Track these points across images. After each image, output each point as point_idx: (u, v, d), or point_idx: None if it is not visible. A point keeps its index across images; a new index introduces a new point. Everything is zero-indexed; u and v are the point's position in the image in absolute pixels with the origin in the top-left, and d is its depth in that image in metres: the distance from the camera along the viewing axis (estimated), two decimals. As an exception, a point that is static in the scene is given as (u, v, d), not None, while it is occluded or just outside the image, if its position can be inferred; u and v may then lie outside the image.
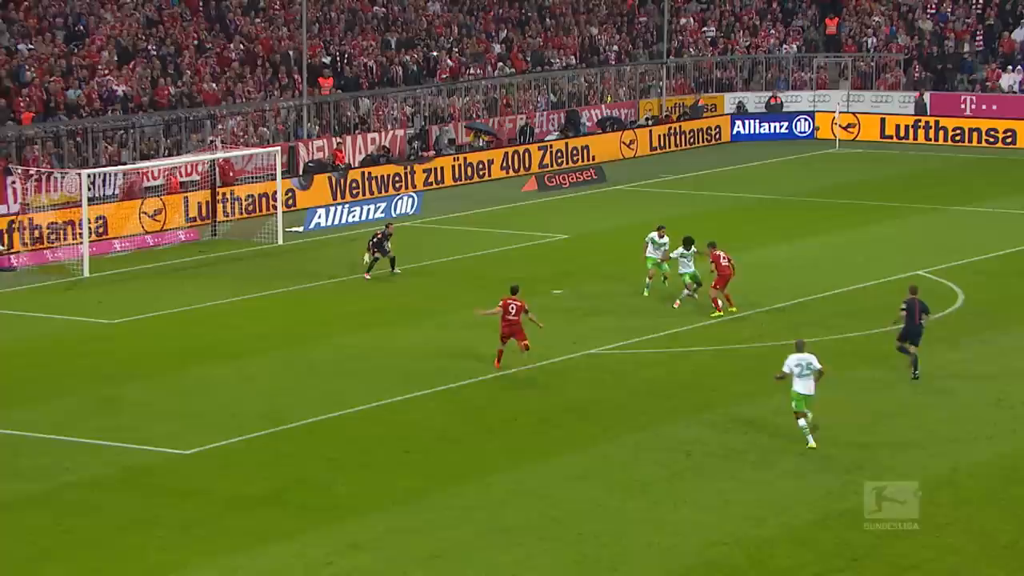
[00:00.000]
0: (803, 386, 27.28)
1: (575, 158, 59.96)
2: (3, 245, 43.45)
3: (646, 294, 38.56)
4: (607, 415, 29.93)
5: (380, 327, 36.41)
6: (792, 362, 27.33)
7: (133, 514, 24.81)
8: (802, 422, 27.40)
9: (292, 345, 34.96)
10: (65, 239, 44.27)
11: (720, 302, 36.70)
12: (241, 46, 57.74)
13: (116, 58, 53.80)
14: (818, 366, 27.34)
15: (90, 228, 43.69)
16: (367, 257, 41.03)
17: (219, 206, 48.37)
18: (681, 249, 37.58)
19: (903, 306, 31.36)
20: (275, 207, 47.80)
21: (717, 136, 66.25)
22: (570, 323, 36.57)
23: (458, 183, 56.31)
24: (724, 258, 36.51)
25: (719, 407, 29.98)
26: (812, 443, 27.28)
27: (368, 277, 40.71)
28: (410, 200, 51.53)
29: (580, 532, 24.03)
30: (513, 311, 32.29)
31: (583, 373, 32.87)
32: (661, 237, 38.74)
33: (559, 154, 59.81)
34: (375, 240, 41.17)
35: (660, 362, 33.69)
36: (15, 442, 28.10)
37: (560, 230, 47.94)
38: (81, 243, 42.67)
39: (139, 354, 34.44)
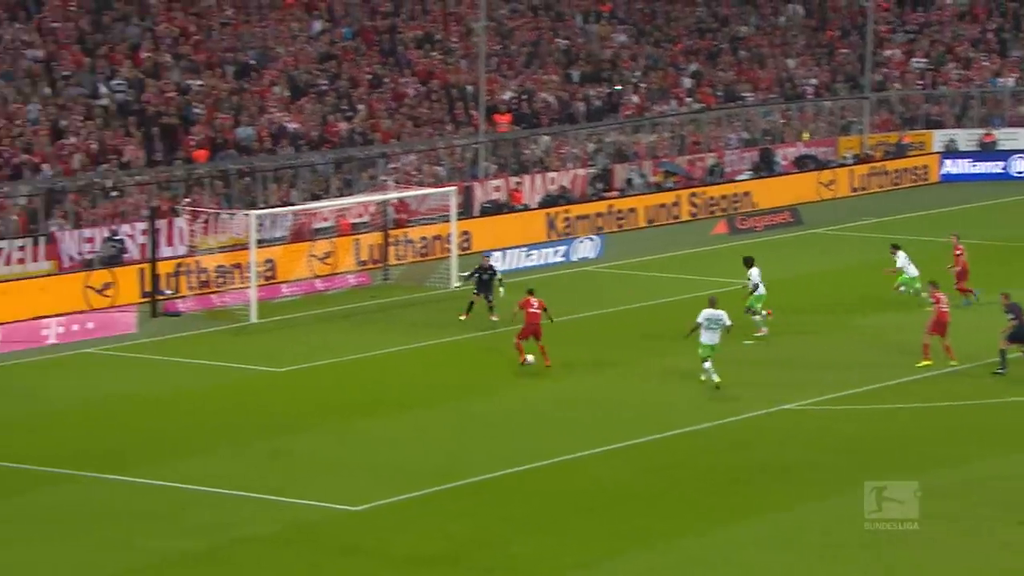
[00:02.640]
0: (709, 338, 34.46)
1: (769, 199, 59.63)
2: (170, 290, 44.55)
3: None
4: (802, 475, 29.66)
5: (557, 378, 36.54)
6: (703, 316, 34.44)
7: (302, 573, 25.18)
8: (707, 364, 34.41)
9: (466, 396, 35.26)
10: (232, 283, 45.25)
11: (929, 351, 36.20)
12: (416, 81, 58.62)
13: (287, 94, 55.01)
14: (728, 322, 34.62)
15: (258, 272, 44.59)
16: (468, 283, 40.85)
17: (391, 249, 49.05)
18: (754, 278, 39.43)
19: (1011, 315, 34.80)
20: (449, 250, 48.32)
21: (924, 176, 65.38)
22: (762, 376, 36.35)
23: (643, 226, 56.35)
24: (944, 302, 36.15)
25: (925, 470, 29.51)
26: (716, 379, 34.26)
27: (463, 319, 40.79)
28: (592, 243, 51.72)
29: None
30: (535, 305, 36.24)
31: (777, 430, 32.63)
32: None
33: (751, 195, 59.55)
34: (478, 276, 40.91)
35: (861, 419, 33.31)
36: (180, 495, 28.74)
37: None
38: (249, 287, 43.58)
39: (307, 404, 35.02)
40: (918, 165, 65.58)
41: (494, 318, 40.81)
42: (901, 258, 42.78)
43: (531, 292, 37.53)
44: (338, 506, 28.03)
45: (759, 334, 39.45)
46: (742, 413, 33.40)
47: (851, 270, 43.03)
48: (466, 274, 42.05)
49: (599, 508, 28.06)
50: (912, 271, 42.63)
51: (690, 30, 69.46)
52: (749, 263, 40.27)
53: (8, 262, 44.74)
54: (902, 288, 42.64)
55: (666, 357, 37.89)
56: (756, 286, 39.74)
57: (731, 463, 30.42)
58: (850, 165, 64.09)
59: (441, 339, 40.36)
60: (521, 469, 30.10)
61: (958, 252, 43.10)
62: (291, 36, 58.05)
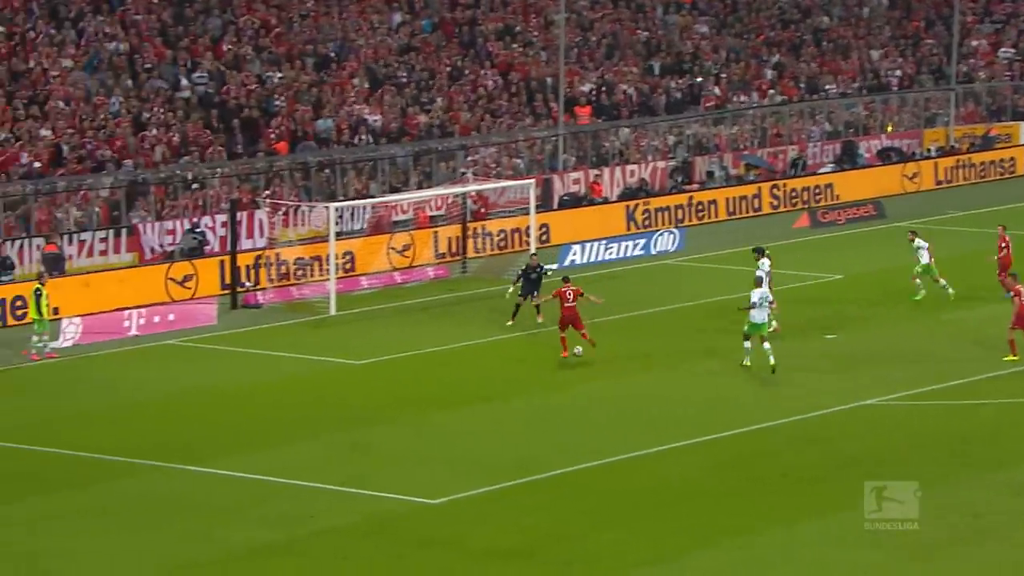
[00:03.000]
0: (760, 316, 35.60)
1: (852, 192, 59.43)
2: (249, 282, 45.07)
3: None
4: (885, 472, 29.56)
5: (636, 372, 36.69)
6: (756, 296, 35.70)
7: (382, 565, 25.51)
8: (748, 344, 35.56)
9: (544, 390, 35.48)
10: (312, 275, 45.72)
11: (1016, 346, 36.09)
12: (496, 73, 58.90)
13: (367, 86, 55.44)
14: (774, 302, 36.15)
15: (337, 264, 45.02)
16: (512, 290, 40.08)
17: (470, 242, 49.35)
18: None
19: None
20: (528, 243, 48.54)
21: (1011, 169, 64.92)
22: (844, 370, 36.34)
23: (723, 218, 56.33)
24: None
25: (1012, 467, 29.45)
26: (747, 363, 35.66)
27: (511, 323, 40.19)
28: (672, 236, 51.79)
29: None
30: (571, 297, 36.28)
31: (858, 426, 32.63)
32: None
33: (834, 187, 59.38)
34: (524, 276, 40.07)
35: (945, 415, 33.24)
36: (261, 487, 29.16)
37: (834, 270, 47.61)
38: (328, 279, 44.02)
39: (386, 397, 35.38)
40: (1005, 157, 65.10)
41: (540, 319, 40.30)
42: (920, 245, 42.79)
43: (566, 280, 37.68)
44: (416, 499, 28.35)
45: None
46: (820, 409, 33.42)
47: (935, 264, 42.88)
48: (514, 277, 41.11)
49: (673, 503, 28.19)
50: (924, 258, 42.62)
51: (772, 21, 69.30)
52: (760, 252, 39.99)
53: (91, 254, 45.46)
54: (917, 280, 42.66)
55: (738, 354, 37.94)
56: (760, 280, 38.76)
57: (808, 460, 30.45)
58: (935, 158, 63.75)
59: (518, 333, 40.59)
60: (597, 464, 30.29)
61: (1003, 244, 43.00)
62: (371, 28, 58.49)
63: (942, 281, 42.49)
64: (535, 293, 40.29)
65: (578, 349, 37.04)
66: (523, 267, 41.11)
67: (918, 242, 42.90)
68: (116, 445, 31.59)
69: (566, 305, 36.82)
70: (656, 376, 36.47)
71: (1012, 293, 36.60)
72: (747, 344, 35.98)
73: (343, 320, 42.86)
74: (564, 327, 36.84)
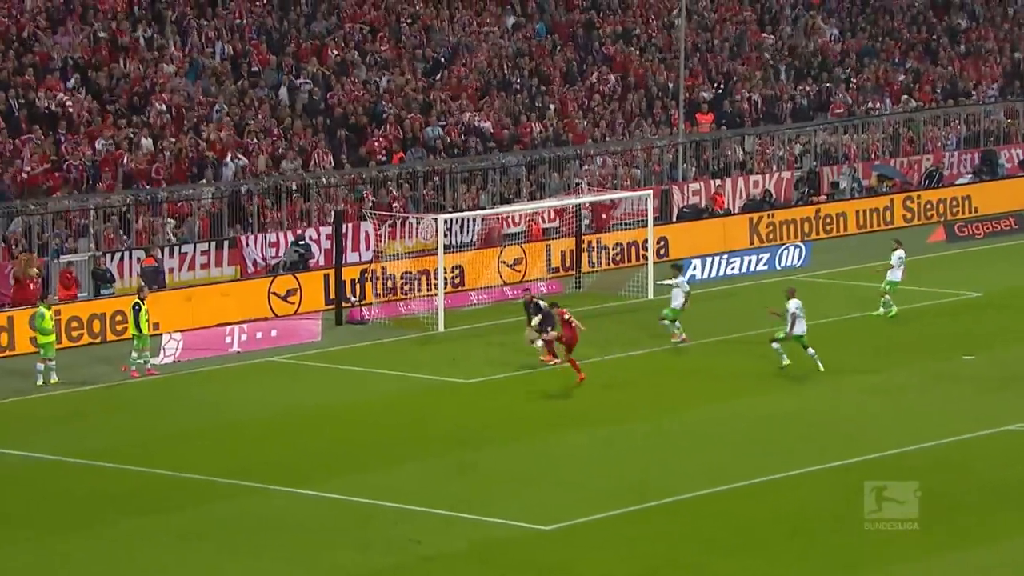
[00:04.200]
0: (801, 328, 37.32)
1: (991, 205, 58.70)
2: (355, 296, 45.36)
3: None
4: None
5: (757, 393, 36.51)
6: (794, 306, 37.22)
7: (489, 593, 25.63)
8: (776, 345, 37.61)
9: (660, 411, 35.39)
10: (419, 290, 45.93)
11: None
12: (613, 78, 58.89)
13: (478, 92, 55.65)
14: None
15: (446, 278, 45.19)
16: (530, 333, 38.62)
17: (584, 255, 49.35)
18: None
19: None
20: (646, 257, 48.45)
21: None
22: (984, 394, 35.96)
23: (853, 232, 55.89)
24: None
25: None
26: (820, 367, 37.26)
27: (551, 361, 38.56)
28: (798, 251, 51.48)
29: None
30: (568, 317, 37.06)
31: (1000, 452, 32.26)
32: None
33: (971, 199, 58.69)
34: (531, 312, 38.55)
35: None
36: (366, 510, 29.32)
37: (973, 287, 47.12)
38: (436, 295, 44.19)
39: (495, 417, 35.46)
40: None
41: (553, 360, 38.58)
42: (895, 258, 43.00)
43: (555, 306, 38.23)
44: (528, 524, 28.37)
45: (676, 340, 40.56)
46: (958, 434, 33.05)
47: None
48: (533, 322, 38.73)
49: (806, 533, 27.99)
50: (897, 275, 42.85)
51: (907, 22, 68.72)
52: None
53: (192, 267, 45.97)
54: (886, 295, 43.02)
55: (868, 374, 37.65)
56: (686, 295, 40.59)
57: (949, 488, 30.06)
58: (1082, 168, 62.86)
59: (633, 351, 40.53)
60: (716, 490, 30.15)
61: None
62: (482, 32, 58.71)
63: (886, 298, 42.95)
64: (548, 328, 38.40)
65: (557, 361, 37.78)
66: (526, 304, 39.25)
67: (900, 253, 43.03)
68: (216, 466, 31.91)
69: (571, 323, 37.36)
70: (779, 397, 36.25)
71: None
72: (776, 345, 37.59)
73: (451, 337, 43.00)
74: (571, 349, 37.22)
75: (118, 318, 41.82)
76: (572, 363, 37.31)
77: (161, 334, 40.93)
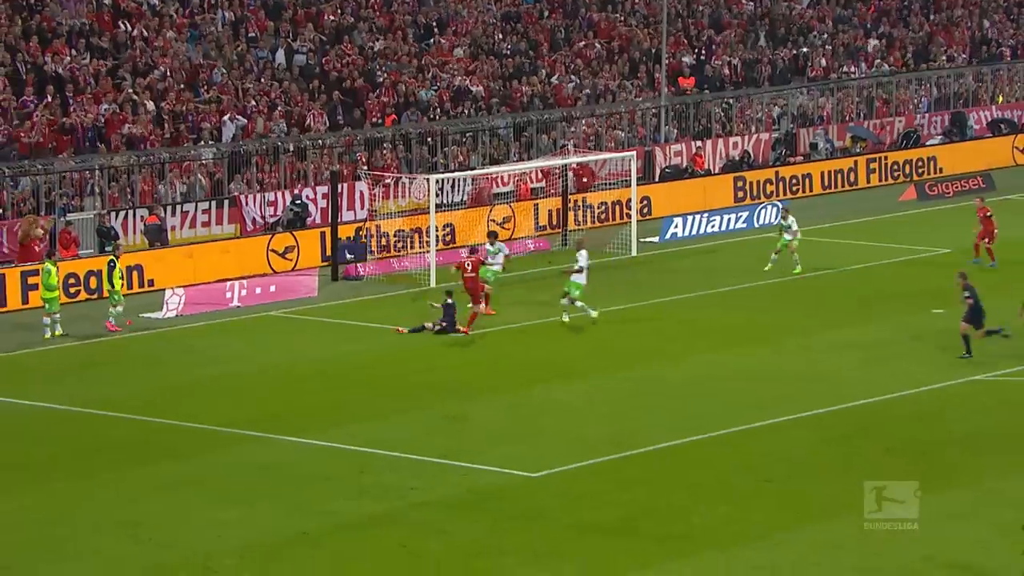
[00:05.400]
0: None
1: (960, 165, 58.68)
2: (350, 254, 45.29)
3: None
4: (995, 448, 29.38)
5: (736, 346, 36.55)
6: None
7: (481, 538, 25.63)
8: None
9: (642, 364, 35.41)
10: (412, 247, 45.88)
11: None
12: (598, 43, 58.72)
13: (469, 56, 55.47)
14: None
15: (437, 236, 45.14)
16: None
17: (571, 214, 49.29)
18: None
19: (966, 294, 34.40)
20: (629, 216, 48.43)
21: None
22: (952, 346, 35.98)
23: (828, 191, 55.89)
24: None
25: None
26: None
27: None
28: (775, 209, 51.42)
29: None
30: (470, 267, 37.17)
31: (967, 401, 32.34)
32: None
33: (937, 159, 58.64)
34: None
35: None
36: (361, 458, 29.37)
37: (942, 243, 47.15)
38: (428, 251, 44.16)
39: (484, 370, 35.47)
40: (1118, 129, 64.04)
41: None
42: (792, 223, 43.54)
43: (473, 251, 38.86)
44: (515, 472, 28.42)
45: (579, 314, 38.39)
46: (929, 384, 33.13)
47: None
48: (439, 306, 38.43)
49: (778, 479, 28.08)
50: (789, 235, 43.32)
51: (880, -10, 68.53)
52: (579, 245, 39.56)
53: (193, 225, 45.91)
54: (774, 256, 43.37)
55: (842, 328, 37.69)
56: (581, 269, 38.42)
57: (917, 436, 30.20)
58: (1046, 129, 62.85)
59: (619, 306, 40.55)
60: (697, 438, 30.23)
61: (985, 215, 43.32)
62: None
63: (794, 257, 43.22)
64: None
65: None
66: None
67: (790, 220, 43.55)
68: (218, 416, 31.94)
69: (466, 276, 37.52)
70: (758, 351, 36.28)
71: None
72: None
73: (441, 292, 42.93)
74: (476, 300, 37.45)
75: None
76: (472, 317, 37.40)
77: (164, 289, 40.87)
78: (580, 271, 38.36)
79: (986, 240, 43.61)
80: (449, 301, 38.10)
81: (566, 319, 38.44)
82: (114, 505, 27.25)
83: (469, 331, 37.43)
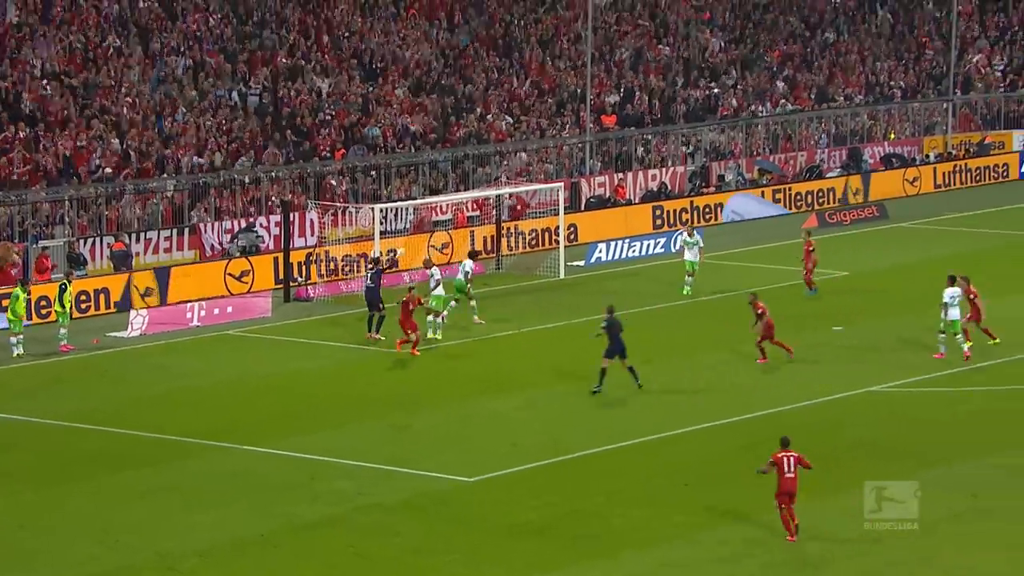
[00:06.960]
0: (955, 314, 35.49)
1: (857, 195, 59.37)
2: (301, 277, 45.38)
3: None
4: (887, 454, 29.81)
5: (660, 360, 36.86)
6: (948, 295, 35.44)
7: (424, 539, 25.82)
8: (942, 336, 35.70)
9: (574, 377, 35.67)
10: (358, 271, 46.00)
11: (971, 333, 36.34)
12: (529, 83, 59.08)
13: (410, 95, 55.69)
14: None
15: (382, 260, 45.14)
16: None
17: (504, 240, 49.56)
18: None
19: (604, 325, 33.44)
20: (558, 241, 48.76)
21: (1005, 174, 64.80)
22: (849, 360, 36.50)
23: (724, 222, 56.25)
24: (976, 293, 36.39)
25: (1006, 450, 29.57)
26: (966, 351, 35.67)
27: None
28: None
29: (863, 571, 24.08)
30: (412, 306, 36.70)
31: (862, 411, 32.79)
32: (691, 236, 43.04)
33: (836, 191, 59.29)
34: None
35: (942, 402, 33.37)
36: (313, 466, 29.48)
37: (841, 267, 47.70)
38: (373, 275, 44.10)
39: (428, 384, 35.64)
40: (999, 163, 65.00)
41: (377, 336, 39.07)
42: (697, 241, 43.61)
43: (411, 289, 37.75)
44: (455, 477, 28.62)
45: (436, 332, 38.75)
46: (829, 395, 33.59)
47: (933, 262, 43.01)
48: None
49: (695, 483, 28.39)
50: (695, 255, 43.54)
51: (785, 37, 69.34)
52: (428, 264, 39.98)
53: (156, 251, 45.87)
54: (689, 279, 43.56)
55: (751, 344, 38.13)
56: (437, 283, 38.84)
57: (819, 443, 30.54)
58: (934, 163, 63.70)
59: (551, 324, 40.83)
60: (621, 445, 30.51)
61: (809, 249, 43.26)
62: (413, 41, 58.69)
63: (688, 279, 43.42)
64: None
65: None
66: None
67: (696, 237, 43.78)
68: (181, 427, 31.96)
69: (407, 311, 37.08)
70: (673, 365, 36.62)
71: (971, 295, 36.59)
72: (941, 335, 36.00)
73: (387, 312, 43.01)
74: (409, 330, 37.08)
75: (83, 297, 41.61)
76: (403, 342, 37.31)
77: (129, 311, 40.81)
78: (437, 285, 38.59)
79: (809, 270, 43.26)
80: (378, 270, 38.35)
81: (438, 335, 38.51)
82: (84, 511, 27.21)
83: (405, 348, 37.32)
